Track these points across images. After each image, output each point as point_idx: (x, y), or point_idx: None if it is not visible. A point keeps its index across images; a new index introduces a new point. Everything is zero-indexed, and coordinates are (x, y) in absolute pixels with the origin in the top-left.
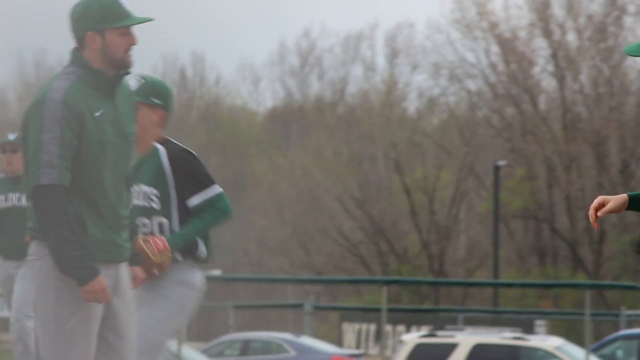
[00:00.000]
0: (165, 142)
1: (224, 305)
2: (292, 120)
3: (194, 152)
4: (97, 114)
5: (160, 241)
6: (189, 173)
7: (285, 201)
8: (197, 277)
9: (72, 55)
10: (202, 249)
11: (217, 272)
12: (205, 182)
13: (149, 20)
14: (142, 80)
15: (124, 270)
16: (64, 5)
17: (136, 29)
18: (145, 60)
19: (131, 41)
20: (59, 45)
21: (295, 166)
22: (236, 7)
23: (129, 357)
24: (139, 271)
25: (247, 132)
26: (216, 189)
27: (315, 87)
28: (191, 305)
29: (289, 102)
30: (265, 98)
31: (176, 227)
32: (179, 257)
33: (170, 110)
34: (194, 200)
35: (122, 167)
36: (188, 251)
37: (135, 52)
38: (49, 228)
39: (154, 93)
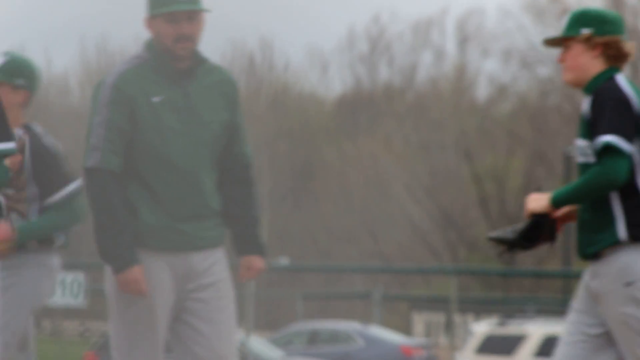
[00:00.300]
0: (28, 130)
1: (292, 294)
2: (361, 108)
3: (55, 148)
4: (155, 99)
5: (2, 231)
6: (48, 170)
7: (354, 189)
8: (52, 260)
9: (147, 40)
10: (59, 237)
11: (285, 261)
12: (61, 181)
13: (196, 8)
14: (6, 58)
15: (206, 258)
16: None
17: (220, 14)
18: (214, 47)
19: (178, 30)
20: (121, 31)
21: (364, 154)
22: None
23: (221, 342)
24: None
25: (316, 119)
26: (70, 189)
27: (384, 73)
28: (47, 286)
29: (358, 89)
30: (334, 85)
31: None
32: (34, 244)
33: (33, 91)
34: (51, 199)
35: (198, 155)
36: (44, 239)
37: (203, 38)
38: (91, 212)
39: (18, 72)
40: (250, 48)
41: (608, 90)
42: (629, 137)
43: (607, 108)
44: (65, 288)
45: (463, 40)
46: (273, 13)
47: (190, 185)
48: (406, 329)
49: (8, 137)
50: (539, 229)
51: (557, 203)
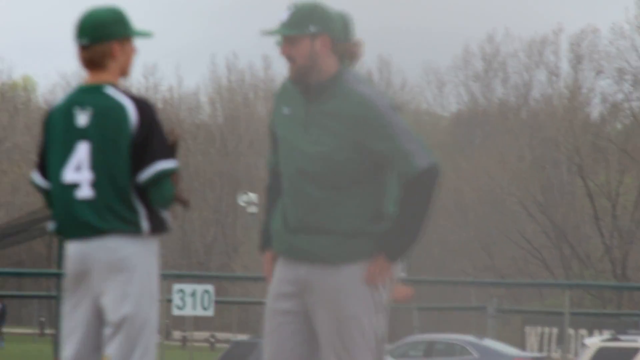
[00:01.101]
0: None
1: (408, 306)
2: (476, 124)
3: None
4: (285, 111)
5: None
6: None
7: (469, 204)
8: None
9: None
10: None
11: (402, 274)
12: None
13: (285, 33)
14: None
15: (320, 272)
16: (254, 10)
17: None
18: None
19: (281, 51)
20: (249, 50)
21: (479, 170)
22: (421, 12)
23: (326, 354)
24: None
25: (432, 135)
26: None
27: (499, 91)
28: None
29: (473, 106)
30: (450, 102)
31: None
32: None
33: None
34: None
35: (305, 171)
36: None
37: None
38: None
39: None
40: (368, 66)
41: None
42: None
43: None
44: (196, 299)
45: (577, 59)
46: (390, 32)
47: (290, 195)
48: (520, 342)
49: (170, 155)
50: None
51: None
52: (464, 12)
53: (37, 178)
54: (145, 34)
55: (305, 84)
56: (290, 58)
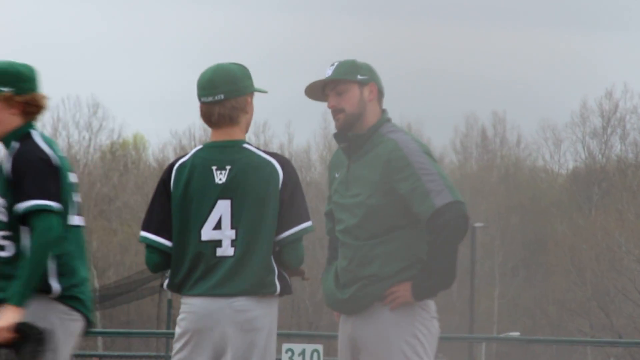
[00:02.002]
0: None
1: None
2: (593, 182)
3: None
4: (336, 176)
5: None
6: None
7: (586, 262)
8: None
9: None
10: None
11: (515, 334)
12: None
13: (330, 78)
14: None
15: (359, 324)
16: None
17: (434, 90)
18: (447, 121)
19: (331, 104)
20: None
21: (597, 227)
22: (538, 67)
23: None
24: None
25: (548, 193)
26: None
27: (617, 148)
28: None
29: (590, 164)
30: (567, 159)
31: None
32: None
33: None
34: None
35: (345, 227)
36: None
37: (436, 113)
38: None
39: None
40: (482, 122)
41: (26, 152)
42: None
43: (28, 171)
44: (305, 359)
45: None
46: (505, 87)
47: (342, 254)
48: None
49: (308, 216)
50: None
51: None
52: (582, 66)
53: (156, 239)
54: (262, 91)
55: (349, 138)
56: (338, 109)
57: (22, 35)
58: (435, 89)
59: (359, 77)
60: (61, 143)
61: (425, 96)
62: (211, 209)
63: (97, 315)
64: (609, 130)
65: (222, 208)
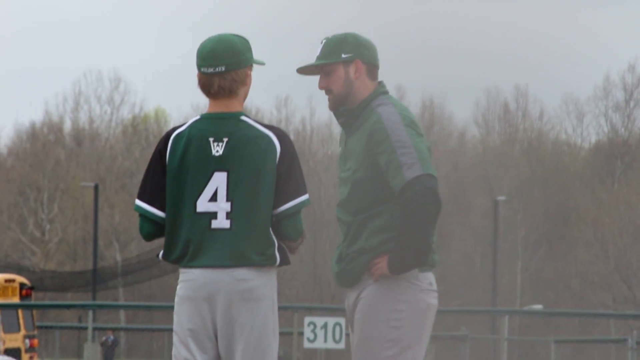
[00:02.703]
0: None
1: (546, 340)
2: (616, 156)
3: None
4: (340, 149)
5: None
6: None
7: (609, 236)
8: None
9: None
10: None
11: (538, 307)
12: None
13: (311, 65)
14: None
15: (352, 297)
16: (388, 39)
17: (457, 65)
18: (469, 96)
19: (321, 85)
20: (384, 78)
21: (619, 201)
22: (561, 41)
23: None
24: None
25: (571, 166)
26: None
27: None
28: None
29: (613, 137)
30: (589, 133)
31: None
32: None
33: None
34: None
35: (350, 201)
36: None
37: (458, 87)
38: None
39: None
40: (504, 96)
41: None
42: None
43: None
44: (327, 332)
45: None
46: (528, 62)
47: (340, 230)
48: None
49: (305, 189)
50: None
51: None
52: (605, 40)
53: (149, 208)
54: (260, 62)
55: (343, 113)
56: (327, 90)
57: (45, 9)
58: (457, 64)
59: (342, 56)
60: (83, 117)
61: (447, 70)
62: (207, 180)
63: (120, 289)
64: (632, 104)
65: (218, 180)
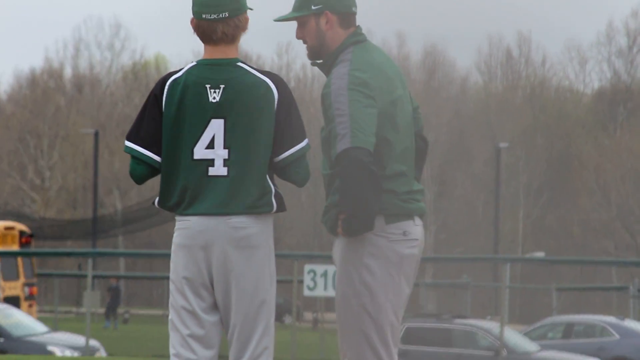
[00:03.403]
0: None
1: (547, 287)
2: (618, 102)
3: None
4: None
5: None
6: None
7: (611, 183)
8: None
9: None
10: None
11: (540, 254)
12: None
13: (284, 18)
14: None
15: (335, 243)
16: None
17: (458, 11)
18: (471, 41)
19: (297, 35)
20: (383, 25)
21: (622, 148)
22: None
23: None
24: None
25: (573, 113)
26: None
27: None
28: None
29: (616, 83)
30: (592, 79)
31: None
32: None
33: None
34: None
35: (324, 156)
36: None
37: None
38: None
39: None
40: (507, 42)
41: None
42: None
43: None
44: (327, 280)
45: None
46: (530, 7)
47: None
48: None
49: (304, 134)
50: None
51: None
52: None
53: (145, 152)
54: (249, 8)
55: (318, 65)
56: (304, 41)
57: None
58: (459, 10)
59: (312, 7)
60: (83, 63)
61: (449, 17)
62: (204, 127)
63: (120, 237)
64: (635, 50)
65: (216, 127)
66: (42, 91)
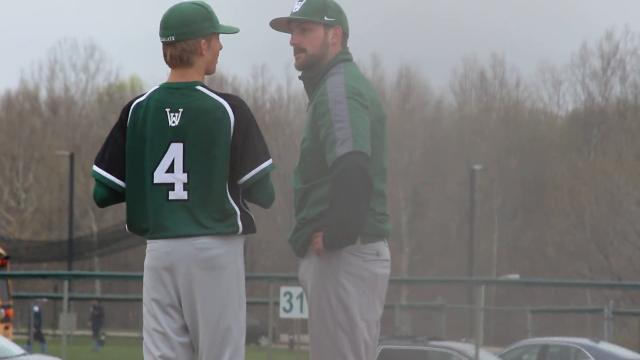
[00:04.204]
0: None
1: (522, 309)
2: (592, 124)
3: None
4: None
5: None
6: None
7: (585, 205)
8: None
9: None
10: None
11: (515, 276)
12: None
13: (292, 17)
14: None
15: (302, 268)
16: (363, 9)
17: (433, 33)
18: (446, 62)
19: (294, 40)
20: (359, 47)
21: (596, 170)
22: (537, 9)
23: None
24: None
25: (547, 135)
26: None
27: (617, 90)
28: None
29: (590, 105)
30: (566, 101)
31: None
32: None
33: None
34: None
35: (300, 169)
36: None
37: (435, 55)
38: None
39: None
40: (481, 64)
41: None
42: None
43: None
44: (303, 302)
45: None
46: (504, 30)
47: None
48: (638, 345)
49: (267, 155)
50: None
51: None
52: (581, 8)
53: (108, 176)
54: (231, 31)
55: (306, 78)
56: (299, 48)
57: None
58: (434, 32)
59: (325, 18)
60: (58, 85)
61: (424, 39)
62: (164, 151)
63: (95, 259)
64: (609, 72)
65: (175, 151)
66: (17, 113)
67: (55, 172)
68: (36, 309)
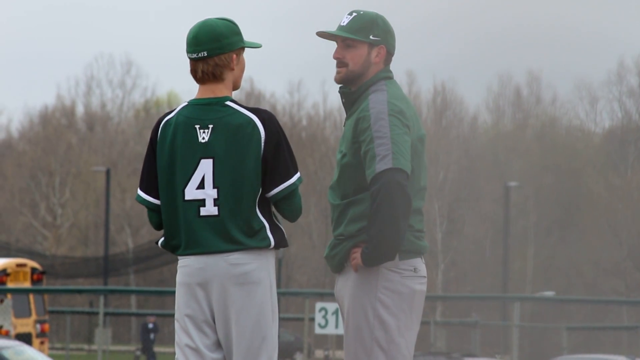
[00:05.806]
0: None
1: (557, 326)
2: (629, 141)
3: None
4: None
5: None
6: None
7: (621, 222)
8: None
9: None
10: None
11: (550, 293)
12: None
13: (335, 33)
14: None
15: (339, 284)
16: (399, 26)
17: (469, 50)
18: (481, 79)
19: (337, 54)
20: (394, 64)
21: (632, 187)
22: (574, 26)
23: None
24: None
25: (583, 152)
26: None
27: None
28: None
29: (627, 123)
30: (603, 118)
31: None
32: None
33: None
34: None
35: (338, 185)
36: None
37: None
38: None
39: None
40: (517, 81)
41: None
42: None
43: None
44: (338, 318)
45: None
46: (541, 46)
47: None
48: None
49: (296, 169)
50: None
51: None
52: (619, 25)
53: (146, 197)
54: (255, 45)
55: (342, 94)
56: (342, 62)
57: None
58: (469, 48)
59: (371, 37)
60: (94, 101)
61: (459, 55)
62: (195, 168)
63: (131, 274)
64: None
65: (205, 167)
66: (53, 129)
67: (92, 188)
68: (150, 325)
